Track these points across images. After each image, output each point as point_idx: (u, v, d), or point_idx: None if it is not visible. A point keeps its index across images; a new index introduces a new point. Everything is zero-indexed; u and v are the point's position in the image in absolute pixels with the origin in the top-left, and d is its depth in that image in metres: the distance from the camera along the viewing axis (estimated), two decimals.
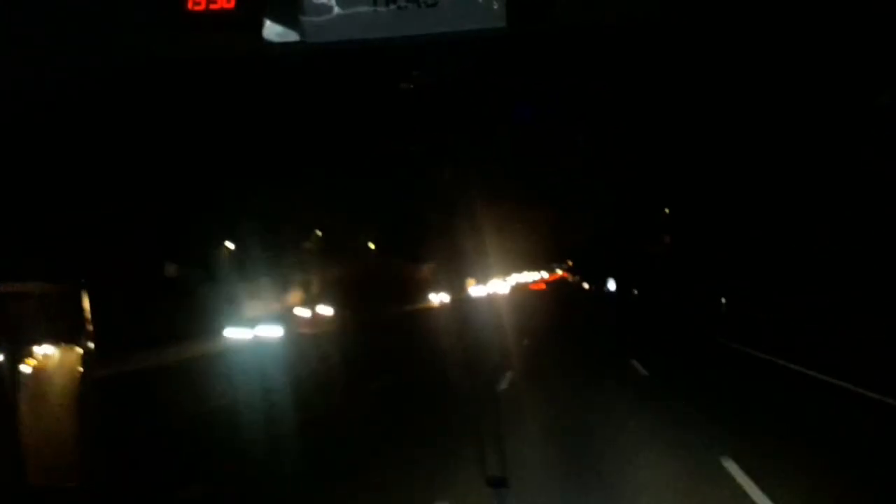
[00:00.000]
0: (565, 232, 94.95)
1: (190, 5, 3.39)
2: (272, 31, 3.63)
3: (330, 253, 46.05)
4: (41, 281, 2.96)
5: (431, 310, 47.55)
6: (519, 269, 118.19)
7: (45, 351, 2.86)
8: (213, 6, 3.40)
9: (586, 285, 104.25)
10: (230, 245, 34.64)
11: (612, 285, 76.31)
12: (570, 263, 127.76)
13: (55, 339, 2.68)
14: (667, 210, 57.02)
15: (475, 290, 67.32)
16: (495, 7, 3.74)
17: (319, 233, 46.55)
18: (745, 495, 6.39)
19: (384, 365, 17.90)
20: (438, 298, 54.19)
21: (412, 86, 6.97)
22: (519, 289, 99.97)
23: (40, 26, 3.73)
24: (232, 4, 3.44)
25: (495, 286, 77.10)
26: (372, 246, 56.10)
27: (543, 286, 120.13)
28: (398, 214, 49.83)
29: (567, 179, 56.92)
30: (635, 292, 60.61)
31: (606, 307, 51.45)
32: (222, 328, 23.47)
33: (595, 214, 70.79)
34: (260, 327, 25.13)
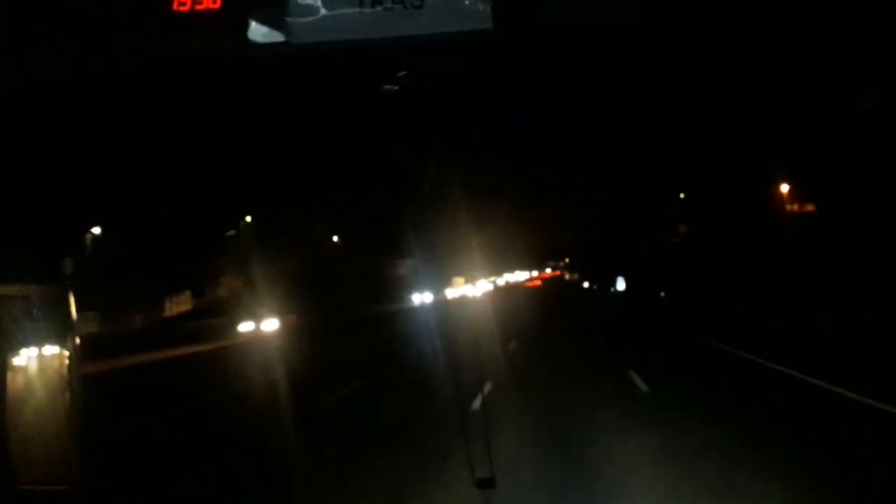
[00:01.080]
0: (561, 229, 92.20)
1: (175, 6, 3.39)
2: (258, 31, 3.63)
3: (269, 244, 37.40)
4: (25, 282, 2.94)
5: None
6: (512, 268, 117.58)
7: (30, 353, 2.85)
8: (198, 7, 3.40)
9: (587, 284, 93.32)
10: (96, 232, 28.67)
11: (620, 284, 62.53)
12: (567, 261, 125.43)
13: (41, 342, 2.67)
14: (682, 195, 48.34)
15: (419, 297, 54.05)
16: (481, 8, 3.74)
17: (249, 219, 38.25)
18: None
19: None
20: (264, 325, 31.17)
21: (397, 87, 6.96)
22: (508, 289, 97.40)
23: (26, 28, 3.71)
24: (217, 5, 3.44)
25: (467, 289, 65.83)
26: (336, 239, 50.88)
27: (539, 283, 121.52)
28: (372, 208, 46.03)
29: (564, 177, 55.54)
30: (662, 294, 45.39)
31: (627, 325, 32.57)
32: None
33: (594, 209, 67.13)
34: None
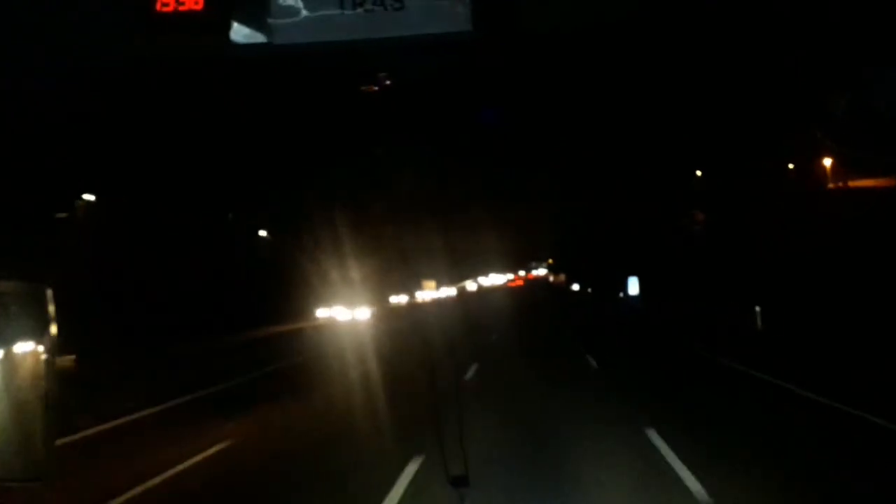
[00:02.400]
0: (543, 230, 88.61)
1: (158, 7, 3.40)
2: (240, 32, 3.66)
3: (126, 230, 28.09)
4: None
5: None
6: (487, 271, 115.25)
7: (5, 350, 2.85)
8: (181, 7, 3.41)
9: (577, 287, 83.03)
10: None
11: (633, 288, 48.38)
12: (551, 262, 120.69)
13: (16, 339, 2.68)
14: (699, 173, 39.12)
15: (338, 313, 42.59)
16: (461, 11, 3.78)
17: (90, 196, 27.63)
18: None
19: None
20: None
21: (377, 88, 7.00)
22: (477, 295, 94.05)
23: (12, 29, 3.71)
24: (200, 6, 3.46)
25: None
26: (264, 233, 44.38)
27: (521, 283, 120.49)
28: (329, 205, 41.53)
29: (545, 175, 52.97)
30: (758, 309, 25.29)
31: None
32: None
33: (583, 203, 60.77)
34: None
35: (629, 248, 49.88)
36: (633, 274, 48.70)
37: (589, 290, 72.84)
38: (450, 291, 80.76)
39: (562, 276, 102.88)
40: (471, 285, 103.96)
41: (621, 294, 51.28)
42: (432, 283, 76.31)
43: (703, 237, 39.11)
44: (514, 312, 43.98)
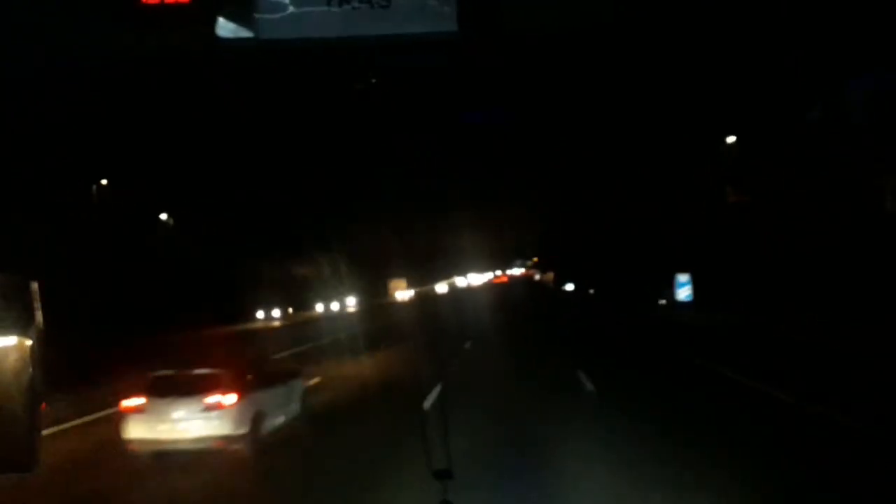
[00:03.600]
0: (530, 227, 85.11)
1: None
2: (226, 27, 3.66)
3: None
4: None
5: None
6: (465, 271, 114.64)
7: None
8: (167, 0, 3.41)
9: (571, 287, 74.26)
10: None
11: (684, 290, 33.97)
12: (536, 260, 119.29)
13: (1, 332, 2.68)
14: (729, 140, 31.47)
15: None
16: (446, 10, 3.80)
17: None
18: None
19: None
20: None
21: (361, 86, 7.00)
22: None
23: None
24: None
25: None
26: (165, 217, 39.53)
27: (506, 279, 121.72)
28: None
29: (532, 170, 51.44)
30: None
31: None
32: None
33: (574, 195, 56.72)
34: None
35: (656, 241, 38.00)
36: (685, 269, 34.22)
37: (591, 291, 59.38)
38: (405, 295, 70.90)
39: (550, 275, 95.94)
40: (441, 287, 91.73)
41: (662, 301, 36.64)
42: (403, 283, 71.76)
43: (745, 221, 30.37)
44: (495, 324, 34.20)
